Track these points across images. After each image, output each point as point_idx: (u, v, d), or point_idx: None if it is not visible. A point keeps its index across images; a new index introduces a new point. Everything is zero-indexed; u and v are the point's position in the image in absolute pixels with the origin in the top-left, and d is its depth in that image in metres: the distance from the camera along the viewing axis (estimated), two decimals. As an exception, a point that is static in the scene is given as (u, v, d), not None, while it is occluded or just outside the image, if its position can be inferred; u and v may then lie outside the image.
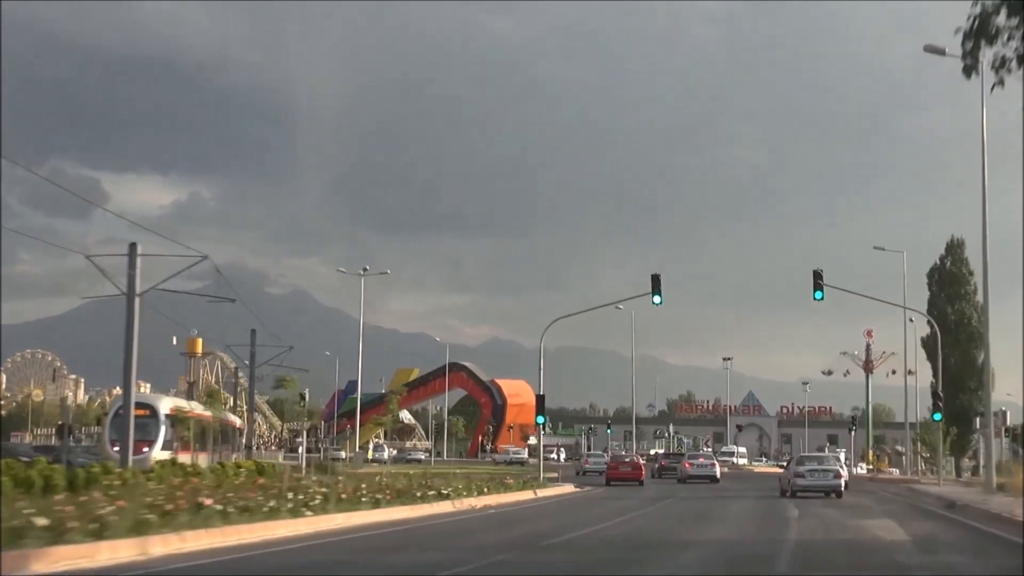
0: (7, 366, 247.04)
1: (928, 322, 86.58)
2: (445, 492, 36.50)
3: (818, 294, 52.98)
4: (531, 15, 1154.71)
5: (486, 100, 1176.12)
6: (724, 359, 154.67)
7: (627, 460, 69.33)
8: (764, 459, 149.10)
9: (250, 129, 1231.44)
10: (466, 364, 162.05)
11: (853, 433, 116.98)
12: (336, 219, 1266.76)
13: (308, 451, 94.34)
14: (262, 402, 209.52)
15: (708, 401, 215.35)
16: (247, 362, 74.46)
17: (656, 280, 53.17)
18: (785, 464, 63.32)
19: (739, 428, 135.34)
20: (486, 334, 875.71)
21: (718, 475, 68.08)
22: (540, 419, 61.45)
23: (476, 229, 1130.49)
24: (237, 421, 77.30)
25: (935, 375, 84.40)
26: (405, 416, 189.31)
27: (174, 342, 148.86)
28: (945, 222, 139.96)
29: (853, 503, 41.79)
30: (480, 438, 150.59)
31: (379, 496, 31.46)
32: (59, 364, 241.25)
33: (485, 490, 40.64)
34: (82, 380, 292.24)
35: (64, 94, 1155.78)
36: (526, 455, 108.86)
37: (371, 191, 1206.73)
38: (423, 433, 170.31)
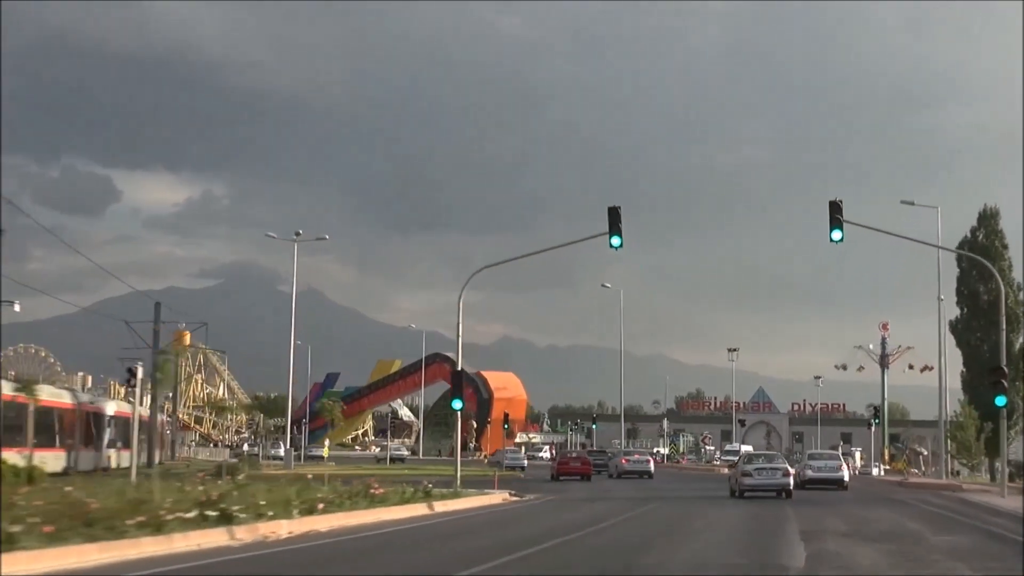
0: None
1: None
2: (239, 512, 22.30)
3: (835, 232, 38.10)
4: (537, 15, 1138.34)
5: (493, 98, 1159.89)
6: (729, 350, 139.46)
7: (575, 456, 73.13)
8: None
9: (261, 128, 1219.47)
10: (449, 355, 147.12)
11: (874, 428, 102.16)
12: (347, 217, 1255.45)
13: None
14: (241, 396, 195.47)
15: (717, 398, 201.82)
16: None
17: (614, 215, 38.20)
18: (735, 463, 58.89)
19: (742, 423, 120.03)
20: (498, 332, 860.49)
21: (652, 471, 70.65)
22: (456, 403, 46.09)
23: (485, 226, 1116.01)
24: (127, 410, 62.05)
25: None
26: (406, 413, 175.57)
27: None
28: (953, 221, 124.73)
29: (894, 528, 27.27)
30: (464, 435, 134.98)
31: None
32: (52, 360, 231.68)
33: (323, 506, 25.94)
34: (89, 378, 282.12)
35: (76, 93, 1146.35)
36: (523, 457, 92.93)
37: (381, 189, 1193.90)
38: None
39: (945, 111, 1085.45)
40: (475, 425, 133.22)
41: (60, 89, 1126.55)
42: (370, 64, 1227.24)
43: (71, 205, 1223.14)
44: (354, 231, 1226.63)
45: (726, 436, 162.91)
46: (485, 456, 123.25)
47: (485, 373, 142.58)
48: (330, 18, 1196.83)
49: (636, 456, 75.52)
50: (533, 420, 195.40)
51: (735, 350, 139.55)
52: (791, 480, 42.92)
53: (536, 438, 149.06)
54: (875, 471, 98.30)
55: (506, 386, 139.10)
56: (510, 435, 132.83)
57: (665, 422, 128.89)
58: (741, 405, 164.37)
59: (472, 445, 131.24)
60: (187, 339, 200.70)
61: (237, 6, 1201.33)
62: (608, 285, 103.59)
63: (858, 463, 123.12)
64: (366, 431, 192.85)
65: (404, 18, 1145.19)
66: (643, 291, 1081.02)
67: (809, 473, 52.69)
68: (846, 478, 53.23)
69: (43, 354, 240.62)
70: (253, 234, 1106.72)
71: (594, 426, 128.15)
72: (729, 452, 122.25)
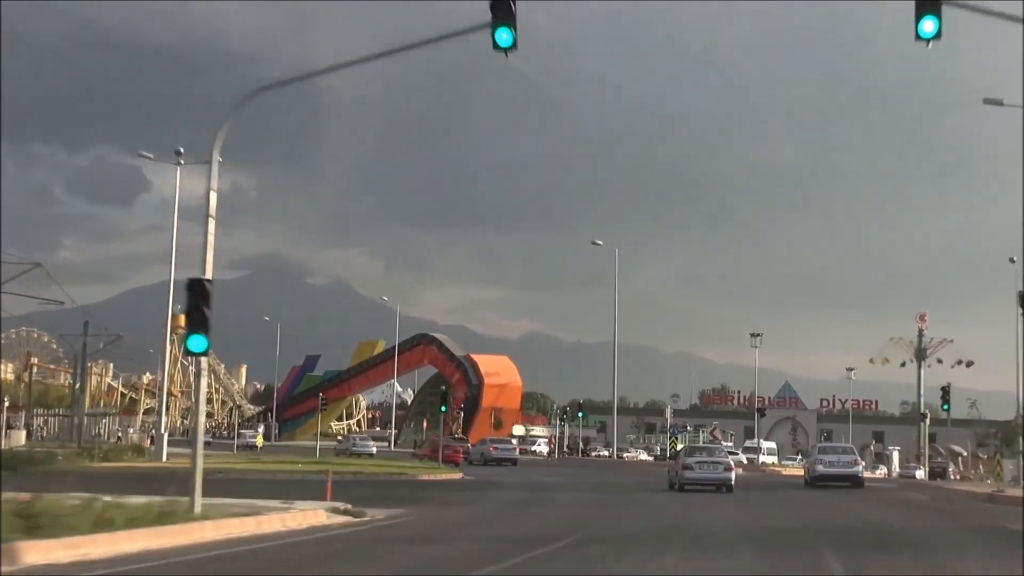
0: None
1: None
2: None
3: (927, 21, 19.18)
4: (568, 8, 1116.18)
5: (524, 93, 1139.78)
6: (752, 335, 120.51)
7: (447, 445, 69.89)
8: (800, 457, 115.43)
9: (289, 120, 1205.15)
10: (437, 336, 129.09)
11: (925, 427, 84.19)
12: (374, 211, 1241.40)
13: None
14: (230, 384, 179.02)
15: (742, 392, 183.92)
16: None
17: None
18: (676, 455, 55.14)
19: (761, 413, 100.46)
20: (524, 328, 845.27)
21: (516, 458, 70.97)
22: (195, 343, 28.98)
23: (513, 222, 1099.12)
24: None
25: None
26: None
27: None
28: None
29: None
30: (451, 425, 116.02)
31: None
32: (55, 347, 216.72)
33: None
34: (110, 365, 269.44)
35: (106, 82, 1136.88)
36: (514, 450, 75.49)
37: (409, 183, 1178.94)
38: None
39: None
40: (461, 414, 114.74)
41: (91, 79, 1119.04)
42: (400, 57, 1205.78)
43: (102, 194, 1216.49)
44: (383, 225, 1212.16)
45: (750, 433, 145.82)
46: None
47: (476, 356, 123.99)
48: (359, 9, 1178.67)
49: (502, 445, 75.37)
50: (541, 412, 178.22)
51: (758, 335, 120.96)
52: (733, 475, 41.10)
53: (538, 430, 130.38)
54: (919, 474, 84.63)
55: (498, 371, 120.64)
56: (498, 425, 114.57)
57: (669, 412, 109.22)
58: (767, 400, 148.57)
59: (457, 436, 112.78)
60: (182, 320, 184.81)
61: (270, 4, 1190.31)
62: (600, 242, 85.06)
63: (896, 465, 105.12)
64: (360, 421, 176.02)
65: (431, 8, 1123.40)
66: (674, 290, 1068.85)
67: (820, 468, 48.22)
68: (861, 474, 49.61)
69: (45, 339, 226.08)
70: (281, 227, 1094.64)
71: (580, 414, 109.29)
72: (750, 448, 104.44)
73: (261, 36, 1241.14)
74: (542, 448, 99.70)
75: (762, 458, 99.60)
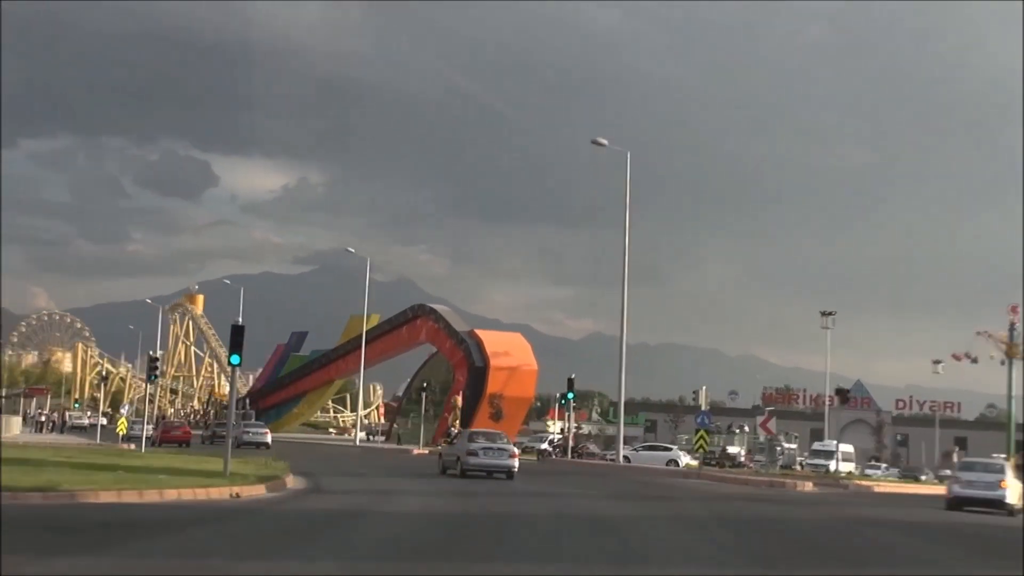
0: (22, 328, 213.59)
1: None
2: None
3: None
4: (637, 7, 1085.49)
5: (589, 90, 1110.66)
6: (823, 314, 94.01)
7: (177, 425, 70.96)
8: (882, 467, 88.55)
9: (356, 116, 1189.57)
10: (436, 307, 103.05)
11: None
12: (441, 208, 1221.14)
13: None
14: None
15: (807, 391, 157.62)
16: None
17: None
18: (452, 440, 46.33)
19: (843, 397, 71.84)
20: (588, 328, 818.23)
21: (269, 441, 66.16)
22: (235, 359, 30.47)
23: (578, 220, 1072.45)
24: None
25: None
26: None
27: None
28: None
29: None
30: (448, 417, 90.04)
31: None
32: (88, 334, 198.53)
33: None
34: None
35: (175, 78, 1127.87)
36: (508, 451, 48.59)
37: (474, 181, 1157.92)
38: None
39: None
40: (459, 402, 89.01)
41: (160, 74, 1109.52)
42: (464, 55, 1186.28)
43: (170, 188, 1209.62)
44: (448, 223, 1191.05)
45: (818, 435, 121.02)
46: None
47: (483, 332, 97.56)
48: (425, 9, 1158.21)
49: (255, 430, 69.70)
50: (580, 406, 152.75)
51: (830, 313, 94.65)
52: (516, 462, 39.01)
53: (555, 425, 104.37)
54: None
55: (508, 351, 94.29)
56: (497, 416, 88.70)
57: (704, 395, 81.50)
58: (835, 401, 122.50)
59: (454, 430, 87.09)
60: (199, 302, 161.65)
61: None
62: (603, 141, 59.47)
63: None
64: (376, 409, 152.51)
65: (501, 4, 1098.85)
66: (738, 291, 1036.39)
67: (956, 489, 35.67)
68: (1012, 499, 35.18)
69: (79, 326, 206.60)
70: (348, 222, 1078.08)
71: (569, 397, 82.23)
72: (820, 452, 78.38)
73: (330, 33, 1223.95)
74: (547, 445, 73.77)
75: (834, 465, 73.40)
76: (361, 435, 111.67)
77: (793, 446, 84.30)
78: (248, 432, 66.39)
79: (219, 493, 23.38)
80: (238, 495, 23.41)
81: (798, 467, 77.21)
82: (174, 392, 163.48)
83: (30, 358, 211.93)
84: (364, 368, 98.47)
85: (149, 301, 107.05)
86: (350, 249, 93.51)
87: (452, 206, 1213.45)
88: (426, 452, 69.72)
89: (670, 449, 71.64)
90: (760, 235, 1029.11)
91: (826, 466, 71.45)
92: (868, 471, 72.96)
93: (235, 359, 29.30)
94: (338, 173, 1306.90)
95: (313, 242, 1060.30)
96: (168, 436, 64.72)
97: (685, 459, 68.87)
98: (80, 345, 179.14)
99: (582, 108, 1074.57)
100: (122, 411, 60.54)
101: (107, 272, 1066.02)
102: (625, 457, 62.02)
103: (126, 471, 27.52)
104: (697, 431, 49.31)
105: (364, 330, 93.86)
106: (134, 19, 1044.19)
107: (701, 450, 50.46)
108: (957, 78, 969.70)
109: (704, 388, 60.32)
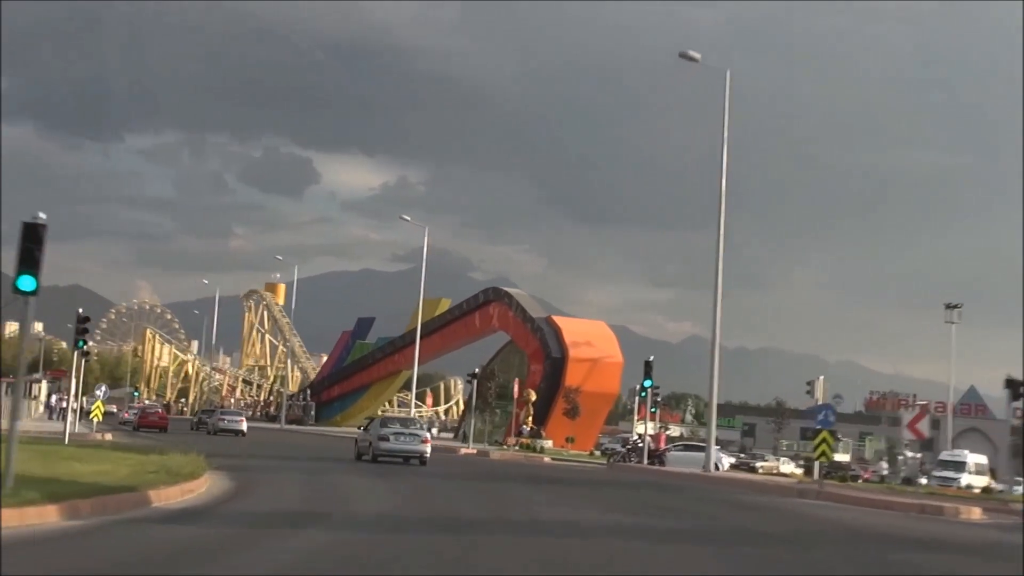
0: (110, 316, 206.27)
1: None
2: None
3: None
4: (724, 9, 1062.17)
5: (685, 92, 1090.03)
6: (948, 307, 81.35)
7: (153, 411, 70.43)
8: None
9: (454, 115, 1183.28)
10: (510, 291, 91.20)
11: None
12: (539, 208, 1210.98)
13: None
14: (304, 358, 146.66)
15: (916, 396, 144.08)
16: None
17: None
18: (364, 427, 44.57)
19: (1013, 388, 58.83)
20: (687, 331, 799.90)
21: (245, 429, 63.94)
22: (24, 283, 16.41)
23: (676, 222, 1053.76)
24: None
25: None
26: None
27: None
28: None
29: None
30: (520, 413, 78.41)
31: None
32: (176, 326, 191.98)
33: None
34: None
35: (277, 76, 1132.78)
36: (420, 436, 39.61)
37: (573, 182, 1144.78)
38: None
39: None
40: (533, 396, 77.53)
41: (263, 72, 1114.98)
42: (563, 57, 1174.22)
43: (272, 185, 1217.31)
44: (545, 222, 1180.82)
45: (926, 442, 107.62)
46: (536, 442, 68.71)
47: (561, 319, 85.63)
48: (524, 9, 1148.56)
49: (231, 416, 69.26)
50: (673, 408, 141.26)
51: (956, 307, 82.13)
52: (428, 447, 37.93)
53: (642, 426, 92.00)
54: None
55: (590, 341, 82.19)
56: (573, 413, 76.95)
57: (821, 385, 68.53)
58: (947, 407, 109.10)
59: (527, 428, 75.72)
60: (280, 291, 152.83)
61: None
62: (694, 55, 47.48)
63: None
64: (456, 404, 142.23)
65: (594, 6, 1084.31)
66: (836, 298, 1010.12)
67: (384, 445, 37.60)
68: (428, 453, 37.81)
69: (168, 316, 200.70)
70: (448, 221, 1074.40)
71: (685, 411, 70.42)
72: (948, 463, 65.52)
73: (427, 32, 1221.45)
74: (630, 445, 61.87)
75: (966, 479, 60.52)
76: (432, 431, 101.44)
77: (917, 455, 71.28)
78: (224, 420, 66.68)
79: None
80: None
81: (923, 480, 64.46)
82: (247, 383, 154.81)
83: (120, 348, 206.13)
84: (433, 358, 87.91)
85: (206, 282, 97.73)
86: (405, 217, 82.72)
87: (549, 206, 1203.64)
88: (473, 452, 58.13)
89: (700, 448, 57.90)
90: (858, 240, 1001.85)
91: (956, 480, 58.92)
92: (1017, 488, 59.26)
93: (25, 283, 16.54)
94: (437, 172, 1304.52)
95: (411, 240, 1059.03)
96: (145, 421, 66.09)
97: (727, 461, 56.35)
98: (147, 333, 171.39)
99: (682, 110, 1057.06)
100: (97, 394, 50.53)
101: (210, 266, 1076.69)
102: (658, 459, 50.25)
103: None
104: (817, 432, 35.11)
105: (418, 314, 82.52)
106: (238, 17, 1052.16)
107: (823, 458, 36.03)
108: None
109: (821, 379, 46.63)
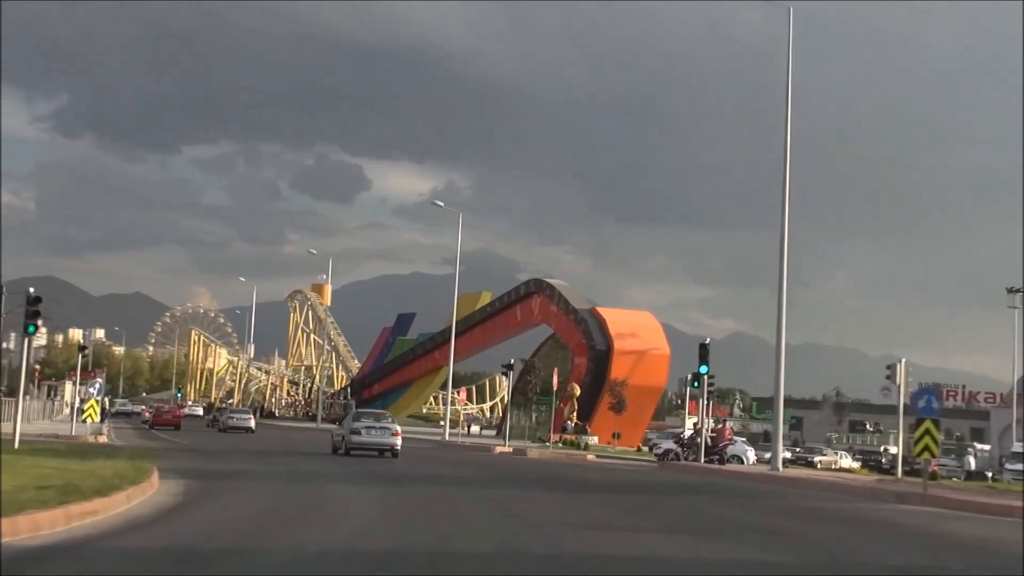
0: (164, 320, 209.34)
1: None
2: None
3: None
4: (780, 11, 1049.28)
5: (738, 95, 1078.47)
6: (1010, 291, 76.46)
7: (167, 411, 71.66)
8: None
9: (500, 121, 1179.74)
10: (552, 281, 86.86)
11: None
12: (584, 209, 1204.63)
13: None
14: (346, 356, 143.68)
15: (966, 387, 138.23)
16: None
17: None
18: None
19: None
20: (729, 328, 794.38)
21: (253, 426, 65.55)
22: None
23: (720, 222, 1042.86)
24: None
25: None
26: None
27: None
28: None
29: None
30: (564, 409, 74.26)
31: None
32: (230, 330, 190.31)
33: None
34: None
35: (329, 84, 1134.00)
36: (391, 429, 39.29)
37: (616, 183, 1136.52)
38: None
39: None
40: (577, 391, 73.50)
41: (314, 80, 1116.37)
42: (609, 60, 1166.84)
43: (324, 192, 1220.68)
44: (590, 223, 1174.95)
45: (977, 435, 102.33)
46: (580, 439, 64.90)
47: (605, 310, 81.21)
48: (570, 12, 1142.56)
49: (239, 415, 71.01)
50: (722, 403, 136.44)
51: (1018, 291, 77.26)
52: (399, 440, 38.73)
53: (692, 421, 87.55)
54: None
55: (635, 332, 77.91)
56: (619, 407, 72.87)
57: (901, 370, 63.58)
58: (995, 397, 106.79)
59: (571, 423, 71.74)
60: (326, 292, 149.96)
61: (483, 4, 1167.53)
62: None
63: None
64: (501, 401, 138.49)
65: (641, 10, 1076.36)
66: (878, 294, 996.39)
67: (356, 439, 38.60)
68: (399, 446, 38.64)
69: (222, 320, 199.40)
70: (494, 223, 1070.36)
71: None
72: (1018, 456, 60.37)
73: (473, 38, 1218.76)
74: (671, 444, 57.14)
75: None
76: (475, 429, 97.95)
77: (986, 447, 66.52)
78: (232, 418, 67.85)
79: None
80: None
81: (989, 475, 59.79)
82: (293, 383, 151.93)
83: (168, 352, 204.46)
84: (475, 353, 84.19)
85: (243, 280, 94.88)
86: (438, 203, 78.73)
87: (595, 207, 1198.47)
88: (509, 451, 53.85)
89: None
90: (894, 236, 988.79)
91: (1026, 471, 53.89)
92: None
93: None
94: (484, 176, 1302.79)
95: (461, 243, 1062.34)
96: (160, 420, 67.66)
97: (752, 455, 51.64)
98: (193, 335, 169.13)
99: (731, 110, 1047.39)
100: (91, 391, 47.11)
101: (263, 271, 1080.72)
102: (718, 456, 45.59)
103: None
104: (920, 423, 27.87)
105: (454, 306, 78.37)
106: (289, 25, 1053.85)
107: (927, 454, 28.10)
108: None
109: (903, 362, 41.15)
